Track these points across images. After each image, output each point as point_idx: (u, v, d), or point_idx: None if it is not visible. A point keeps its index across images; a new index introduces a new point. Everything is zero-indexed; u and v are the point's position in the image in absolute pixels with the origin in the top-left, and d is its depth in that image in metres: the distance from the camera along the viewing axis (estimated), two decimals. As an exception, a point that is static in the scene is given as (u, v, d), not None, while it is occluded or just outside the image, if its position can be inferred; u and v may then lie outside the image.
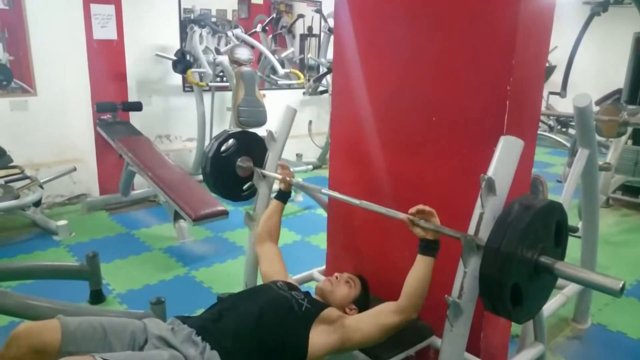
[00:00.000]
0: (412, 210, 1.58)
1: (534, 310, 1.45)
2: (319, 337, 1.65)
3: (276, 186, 2.28)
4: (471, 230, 1.45)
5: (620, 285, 1.17)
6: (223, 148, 2.36)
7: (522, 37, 1.66)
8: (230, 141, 2.39)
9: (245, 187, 2.44)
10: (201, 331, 1.59)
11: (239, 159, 2.38)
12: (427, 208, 1.57)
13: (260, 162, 2.35)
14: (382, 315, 1.65)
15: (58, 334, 1.44)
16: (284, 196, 2.19)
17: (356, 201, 1.91)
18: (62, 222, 3.81)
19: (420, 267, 1.60)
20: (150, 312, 2.24)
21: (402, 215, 1.63)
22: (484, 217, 1.43)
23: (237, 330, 1.60)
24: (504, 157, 1.49)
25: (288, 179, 2.17)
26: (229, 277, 3.20)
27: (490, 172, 1.45)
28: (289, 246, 3.78)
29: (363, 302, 1.87)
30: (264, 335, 1.60)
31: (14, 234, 3.86)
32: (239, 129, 2.55)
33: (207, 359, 1.50)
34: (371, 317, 1.67)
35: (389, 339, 1.80)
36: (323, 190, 2.07)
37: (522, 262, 1.27)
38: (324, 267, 2.58)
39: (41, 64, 4.25)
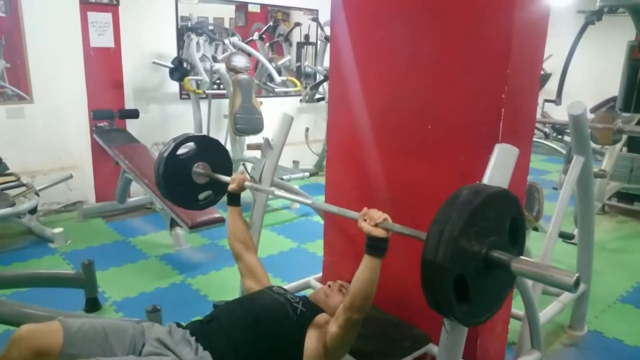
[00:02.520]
0: (365, 209, 1.50)
1: (484, 311, 1.29)
2: (312, 342, 1.65)
3: (277, 191, 2.26)
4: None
5: (574, 279, 1.06)
6: (180, 150, 2.22)
7: (516, 46, 1.68)
8: (190, 144, 2.26)
9: (201, 196, 2.31)
10: (195, 332, 1.60)
11: (196, 164, 2.24)
12: (379, 213, 1.47)
13: (219, 170, 2.26)
14: (337, 315, 1.60)
15: (60, 336, 1.44)
16: (234, 199, 2.08)
17: (308, 201, 1.87)
18: (58, 230, 3.80)
19: (365, 268, 1.50)
20: (146, 320, 2.23)
21: (353, 214, 1.57)
22: (479, 224, 1.44)
23: (231, 333, 1.61)
24: (499, 165, 1.50)
25: (242, 179, 2.06)
26: (225, 285, 3.19)
27: (486, 180, 1.46)
28: (285, 254, 3.78)
29: None
30: (258, 339, 1.60)
31: (9, 241, 3.85)
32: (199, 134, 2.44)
33: (200, 357, 1.50)
34: (334, 318, 1.62)
35: (386, 347, 1.80)
36: (276, 192, 1.99)
37: (468, 250, 1.16)
38: (320, 274, 2.58)
39: (38, 71, 4.25)
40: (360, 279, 1.50)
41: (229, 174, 2.26)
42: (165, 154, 2.16)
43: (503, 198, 1.26)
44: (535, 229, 3.29)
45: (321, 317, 1.73)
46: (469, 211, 1.14)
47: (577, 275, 1.07)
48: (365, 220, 1.46)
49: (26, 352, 1.41)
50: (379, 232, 1.44)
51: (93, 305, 2.86)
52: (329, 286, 1.92)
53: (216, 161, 2.29)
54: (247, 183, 2.06)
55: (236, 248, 2.05)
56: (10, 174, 3.86)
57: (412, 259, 2.00)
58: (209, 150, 2.29)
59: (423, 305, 1.78)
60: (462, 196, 1.19)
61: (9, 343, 1.44)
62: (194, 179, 2.25)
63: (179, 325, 1.67)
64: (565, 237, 3.42)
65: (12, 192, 3.73)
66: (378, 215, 1.45)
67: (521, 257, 1.20)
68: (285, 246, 3.91)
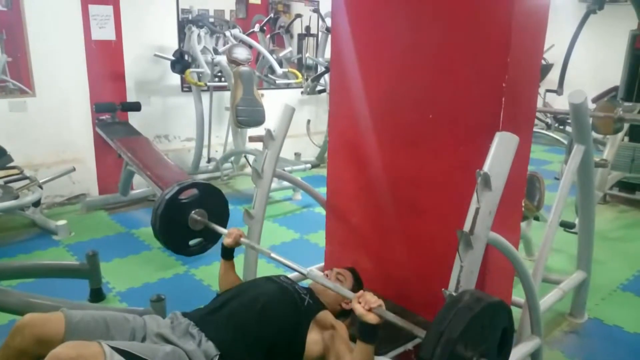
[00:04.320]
0: (362, 292, 1.50)
1: None
2: (313, 339, 1.68)
3: (274, 184, 2.28)
4: (467, 225, 1.47)
5: None
6: (182, 195, 2.25)
7: (517, 35, 1.68)
8: (192, 190, 2.28)
9: (192, 242, 2.32)
10: (199, 322, 1.62)
11: (194, 211, 2.25)
12: (374, 298, 1.45)
13: (215, 218, 2.28)
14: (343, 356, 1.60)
15: (62, 326, 1.46)
16: (227, 253, 2.05)
17: (303, 271, 1.78)
18: (62, 222, 3.82)
19: (359, 355, 1.48)
20: (150, 309, 2.25)
21: (349, 293, 1.57)
22: (480, 212, 1.46)
23: (238, 320, 1.62)
24: (499, 153, 1.51)
25: (238, 235, 2.03)
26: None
27: (486, 168, 1.47)
28: (287, 244, 3.80)
29: None
30: (265, 327, 1.62)
31: (13, 234, 3.88)
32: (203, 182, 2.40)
33: (203, 350, 1.52)
34: (344, 354, 1.61)
35: (387, 334, 1.82)
36: (272, 255, 1.90)
37: (462, 355, 1.19)
38: (322, 264, 2.60)
39: (40, 64, 4.26)
40: None
41: (224, 224, 2.30)
42: (167, 197, 2.19)
43: (499, 309, 1.31)
44: (537, 219, 3.31)
45: (326, 316, 1.75)
46: (469, 317, 1.19)
47: None
48: (359, 302, 1.45)
49: (28, 340, 1.43)
50: (371, 318, 1.42)
51: (97, 295, 2.89)
52: (327, 275, 1.94)
53: (214, 210, 2.31)
54: (243, 239, 2.04)
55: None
56: (13, 167, 3.88)
57: (412, 249, 2.03)
58: (209, 197, 2.32)
59: (424, 292, 1.81)
60: (464, 302, 1.24)
61: (12, 330, 1.46)
62: (190, 224, 2.26)
63: (183, 314, 1.69)
64: (567, 226, 3.43)
65: (16, 185, 3.76)
66: (373, 300, 1.44)
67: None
68: (288, 237, 3.93)
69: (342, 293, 1.61)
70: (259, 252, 2.16)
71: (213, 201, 2.33)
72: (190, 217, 2.25)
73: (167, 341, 1.54)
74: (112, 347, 1.34)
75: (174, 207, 2.21)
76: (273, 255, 1.90)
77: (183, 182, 2.27)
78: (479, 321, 1.22)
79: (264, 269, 2.21)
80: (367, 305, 1.43)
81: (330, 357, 1.64)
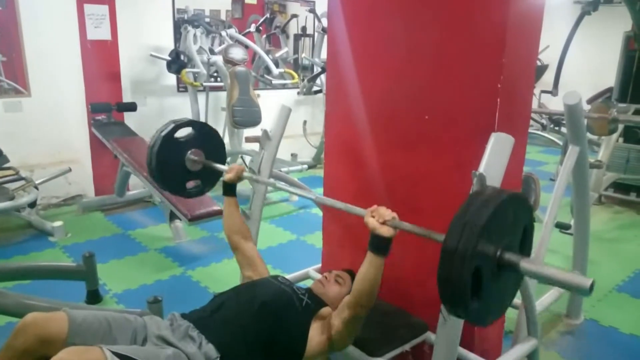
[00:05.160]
0: (375, 206, 1.47)
1: (491, 311, 1.28)
2: (316, 335, 1.67)
3: (277, 183, 2.26)
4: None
5: (589, 283, 1.05)
6: (178, 134, 2.17)
7: (512, 36, 1.69)
8: (188, 129, 2.22)
9: (189, 185, 2.27)
10: (198, 324, 1.61)
11: (191, 151, 2.19)
12: (388, 211, 1.43)
13: (212, 157, 2.23)
14: (341, 309, 1.61)
15: (65, 326, 1.46)
16: (229, 189, 2.04)
17: (310, 195, 1.82)
18: (58, 223, 3.81)
19: (369, 267, 1.48)
20: (147, 310, 2.25)
21: (361, 211, 1.53)
22: (476, 213, 1.46)
23: (236, 322, 1.62)
24: (495, 154, 1.52)
25: (240, 169, 2.02)
26: (225, 277, 3.21)
27: (482, 169, 1.48)
28: (284, 246, 3.80)
29: None
30: (263, 329, 1.62)
31: (9, 235, 3.86)
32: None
33: (204, 352, 1.52)
34: (337, 312, 1.64)
35: (384, 335, 1.83)
36: (278, 185, 1.91)
37: (486, 246, 1.15)
38: (319, 265, 2.60)
39: (35, 64, 4.25)
40: (364, 277, 1.50)
41: (222, 164, 2.24)
42: (163, 133, 2.12)
43: (522, 203, 1.28)
44: (532, 219, 3.32)
45: (325, 311, 1.75)
46: (493, 207, 1.15)
47: (592, 280, 1.06)
48: (373, 216, 1.44)
49: (32, 339, 1.43)
50: (386, 231, 1.41)
51: (94, 297, 2.88)
52: (325, 277, 1.94)
53: (211, 150, 2.26)
54: (245, 173, 2.03)
55: (233, 239, 2.04)
56: (9, 168, 3.86)
57: (411, 249, 2.03)
58: (206, 138, 2.26)
59: (421, 294, 1.81)
60: (487, 193, 1.21)
61: (15, 330, 1.46)
62: (187, 164, 2.21)
63: (182, 315, 1.69)
64: (562, 227, 3.45)
65: (12, 186, 3.74)
66: (387, 213, 1.43)
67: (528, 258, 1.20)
68: (285, 238, 3.93)
69: (353, 211, 1.56)
70: (264, 184, 2.16)
71: (210, 141, 2.27)
72: (187, 157, 2.20)
73: (168, 343, 1.54)
74: (113, 352, 1.33)
75: (170, 146, 2.14)
76: (278, 184, 1.90)
77: (178, 120, 2.20)
78: (503, 213, 1.18)
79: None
80: (382, 219, 1.41)
81: (331, 322, 1.63)
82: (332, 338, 1.65)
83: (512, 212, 1.23)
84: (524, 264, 1.15)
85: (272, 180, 2.01)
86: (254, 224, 2.33)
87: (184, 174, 2.23)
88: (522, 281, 1.37)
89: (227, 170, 2.05)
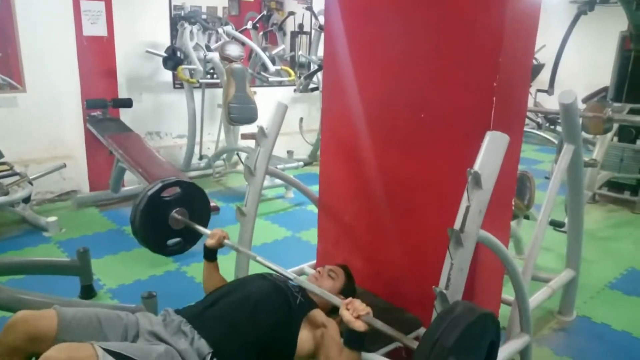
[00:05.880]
0: (350, 298, 1.50)
1: None
2: (305, 337, 1.68)
3: (267, 182, 2.27)
4: (458, 223, 1.48)
5: None
6: (165, 193, 2.20)
7: (508, 36, 1.70)
8: (175, 188, 2.24)
9: (170, 242, 2.27)
10: (192, 319, 1.61)
11: (175, 209, 2.22)
12: (363, 305, 1.46)
13: (196, 219, 2.25)
14: None
15: (54, 323, 1.46)
16: (210, 254, 2.03)
17: (290, 276, 1.79)
18: (52, 219, 3.80)
19: None
20: (141, 306, 2.25)
21: (337, 300, 1.57)
22: (470, 210, 1.47)
23: (230, 317, 1.62)
24: (489, 152, 1.52)
25: (221, 236, 2.02)
26: (220, 273, 3.21)
27: (477, 167, 1.49)
28: (279, 242, 3.81)
29: (349, 291, 1.88)
30: (257, 324, 1.62)
31: (3, 230, 3.85)
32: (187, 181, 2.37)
33: (196, 348, 1.52)
34: (334, 355, 1.61)
35: (378, 331, 1.83)
36: (258, 258, 1.90)
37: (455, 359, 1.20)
38: (314, 261, 2.61)
39: (30, 60, 4.23)
40: None
41: (205, 226, 2.25)
42: (150, 193, 2.15)
43: (489, 320, 1.33)
44: (527, 217, 3.34)
45: (317, 314, 1.75)
46: (462, 327, 1.21)
47: None
48: (347, 309, 1.46)
49: (21, 337, 1.43)
50: (359, 326, 1.43)
51: (88, 292, 2.88)
52: (319, 272, 1.95)
53: (195, 210, 2.27)
54: (226, 241, 2.01)
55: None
56: (3, 163, 3.85)
57: (403, 247, 2.04)
58: (192, 198, 2.28)
59: (414, 290, 1.82)
60: (457, 311, 1.25)
61: (5, 328, 1.46)
62: (170, 223, 2.22)
63: (176, 311, 1.69)
64: (556, 225, 3.46)
65: (6, 181, 3.73)
66: (362, 307, 1.46)
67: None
68: (280, 235, 3.94)
69: (330, 300, 1.62)
70: (243, 255, 2.14)
71: (195, 201, 2.29)
72: (171, 215, 2.21)
73: (160, 339, 1.54)
74: (105, 349, 1.33)
75: (156, 204, 2.16)
76: (258, 258, 1.87)
77: (166, 179, 2.23)
78: (471, 332, 1.23)
79: (255, 267, 2.22)
80: (356, 313, 1.44)
81: (320, 356, 1.65)
82: (320, 355, 1.65)
83: (480, 330, 1.29)
84: None
85: (252, 253, 1.96)
86: (249, 221, 2.33)
87: (166, 232, 2.24)
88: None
89: (210, 235, 2.03)
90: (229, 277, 2.01)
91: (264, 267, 1.85)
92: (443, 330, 1.21)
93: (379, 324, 1.43)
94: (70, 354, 1.29)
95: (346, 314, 1.45)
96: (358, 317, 1.44)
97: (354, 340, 1.47)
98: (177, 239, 2.29)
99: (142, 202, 2.13)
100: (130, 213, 2.20)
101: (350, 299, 1.50)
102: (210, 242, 2.01)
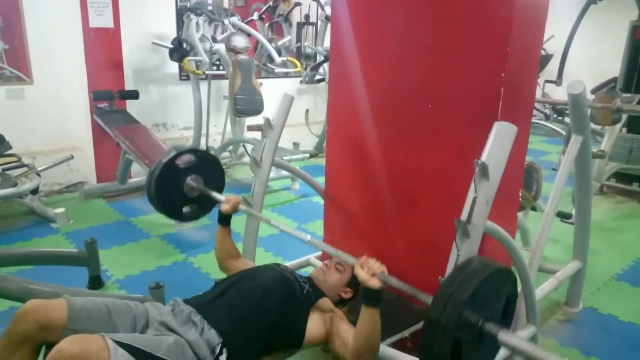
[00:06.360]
0: (365, 257, 1.50)
1: None
2: (314, 324, 1.69)
3: (273, 174, 2.28)
4: (464, 214, 1.48)
5: None
6: (179, 160, 2.23)
7: (517, 25, 1.68)
8: (188, 156, 2.27)
9: (185, 209, 2.31)
10: (201, 309, 1.62)
11: (190, 177, 2.26)
12: (378, 263, 1.47)
13: (210, 187, 2.28)
14: (346, 345, 1.61)
15: (64, 312, 1.47)
16: (225, 220, 2.06)
17: (305, 238, 1.84)
18: (60, 210, 3.82)
19: (365, 320, 1.49)
20: (149, 296, 2.27)
21: (351, 260, 1.57)
22: (477, 201, 1.47)
23: (239, 307, 1.63)
24: (497, 143, 1.52)
25: (236, 201, 2.05)
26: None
27: (484, 157, 1.48)
28: (285, 234, 3.80)
29: (356, 284, 1.89)
30: (265, 314, 1.63)
31: (12, 221, 3.88)
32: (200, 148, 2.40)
33: (206, 339, 1.53)
34: (345, 337, 1.63)
35: (384, 322, 1.83)
36: (272, 222, 1.97)
37: (469, 317, 1.20)
38: (320, 253, 2.62)
39: (37, 52, 4.24)
40: (362, 332, 1.51)
41: (220, 192, 2.29)
42: (165, 160, 2.18)
43: (506, 275, 1.32)
44: (534, 209, 3.33)
45: (325, 302, 1.76)
46: (478, 281, 1.20)
47: None
48: (362, 267, 1.47)
49: (31, 326, 1.44)
50: (375, 283, 1.44)
51: (96, 282, 2.90)
52: (326, 265, 1.95)
53: (210, 177, 2.30)
54: (241, 206, 2.05)
55: (224, 263, 2.06)
56: (11, 155, 3.87)
57: (410, 238, 2.04)
58: (207, 165, 2.31)
59: (421, 281, 1.81)
60: (473, 266, 1.25)
61: (15, 317, 1.47)
62: (185, 190, 2.26)
63: (185, 301, 1.70)
64: (563, 216, 3.45)
65: (14, 173, 3.75)
66: (377, 265, 1.46)
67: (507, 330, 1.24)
68: (286, 226, 3.94)
69: (344, 259, 1.62)
70: (259, 220, 2.20)
71: (209, 169, 2.32)
72: (186, 183, 2.25)
73: (170, 329, 1.54)
74: (116, 341, 1.34)
75: (170, 172, 2.20)
76: (273, 222, 1.94)
77: (180, 147, 2.26)
78: (487, 286, 1.22)
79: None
80: (371, 271, 1.45)
81: (333, 337, 1.66)
82: (334, 343, 1.66)
83: (496, 284, 1.28)
84: (502, 335, 1.20)
85: (266, 217, 2.02)
86: (256, 212, 2.33)
87: (182, 199, 2.29)
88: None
89: (224, 201, 2.07)
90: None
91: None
92: (459, 284, 1.19)
93: (394, 281, 1.42)
94: (82, 345, 1.30)
95: (361, 273, 1.45)
96: (373, 275, 1.44)
97: (371, 297, 1.47)
98: (193, 206, 2.33)
99: (157, 170, 2.17)
100: (145, 180, 2.24)
101: (364, 257, 1.50)
102: (225, 207, 2.04)
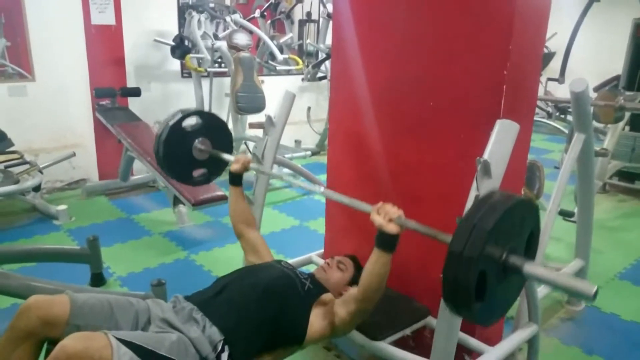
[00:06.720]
0: (381, 203, 1.48)
1: (493, 313, 1.30)
2: (316, 319, 1.69)
3: (275, 171, 2.28)
4: (466, 211, 1.48)
5: (594, 290, 1.08)
6: (186, 123, 2.20)
7: (519, 22, 1.67)
8: (195, 119, 2.24)
9: (195, 173, 2.29)
10: (202, 306, 1.62)
11: (198, 139, 2.22)
12: (394, 208, 1.45)
13: (219, 147, 2.25)
14: (348, 301, 1.64)
15: (67, 307, 1.48)
16: (236, 179, 2.06)
17: (319, 189, 1.84)
18: (62, 207, 3.83)
19: (375, 263, 1.49)
20: (150, 293, 2.27)
21: (366, 207, 1.53)
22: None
23: (239, 305, 1.63)
24: (499, 141, 1.51)
25: (246, 160, 2.04)
26: (228, 261, 3.22)
27: (486, 155, 1.48)
28: (287, 231, 3.82)
29: (357, 282, 1.89)
30: (266, 312, 1.63)
31: (14, 218, 3.89)
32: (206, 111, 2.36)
33: (208, 336, 1.53)
34: (343, 301, 1.67)
35: (386, 320, 1.84)
36: (284, 177, 1.96)
37: (493, 249, 1.16)
38: (322, 250, 2.62)
39: (39, 49, 4.24)
40: (371, 273, 1.51)
41: (229, 154, 2.26)
42: (171, 123, 2.14)
43: (529, 208, 1.28)
44: (536, 207, 3.32)
45: (326, 297, 1.77)
46: (501, 212, 1.15)
47: (596, 287, 1.08)
48: (379, 213, 1.45)
49: (34, 321, 1.45)
50: (392, 228, 1.42)
51: (98, 280, 2.91)
52: (328, 263, 1.95)
53: (218, 140, 2.27)
54: (252, 165, 2.05)
55: (238, 227, 2.07)
56: (14, 152, 3.88)
57: (414, 235, 2.03)
58: (214, 128, 2.28)
59: (423, 279, 1.81)
60: (495, 197, 1.21)
61: (18, 312, 1.48)
62: (194, 153, 2.23)
63: (186, 298, 1.70)
64: (566, 215, 3.44)
65: (16, 170, 3.76)
66: (393, 210, 1.44)
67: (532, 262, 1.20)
68: (288, 224, 3.95)
69: (359, 207, 1.58)
70: (270, 176, 2.18)
71: (217, 131, 2.29)
72: (195, 146, 2.22)
73: (172, 326, 1.55)
74: (118, 339, 1.34)
75: (178, 135, 2.17)
76: (285, 177, 1.91)
77: (186, 109, 2.22)
78: (510, 217, 1.18)
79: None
80: (388, 216, 1.43)
81: (336, 309, 1.66)
82: (336, 325, 1.67)
83: (520, 217, 1.24)
84: (528, 267, 1.16)
85: (277, 171, 2.01)
86: (258, 210, 2.34)
87: (191, 163, 2.25)
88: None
89: (234, 160, 2.06)
90: (230, 269, 2.00)
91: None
92: (482, 215, 1.15)
93: (413, 224, 1.39)
94: (85, 343, 1.30)
95: (378, 219, 1.43)
96: (390, 221, 1.42)
97: (387, 243, 1.45)
98: (203, 170, 2.30)
99: (164, 133, 2.13)
100: (153, 145, 2.20)
101: (380, 202, 1.47)
102: (235, 166, 2.03)
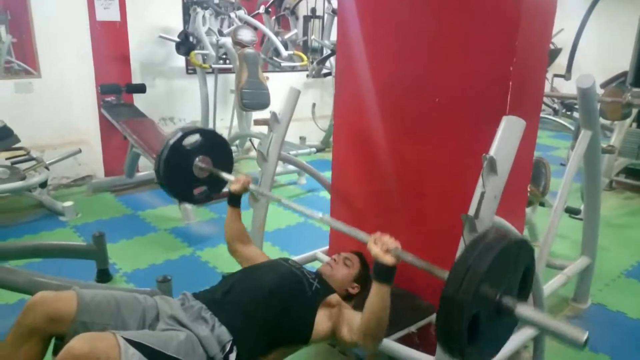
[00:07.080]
0: (378, 233, 1.46)
1: (485, 355, 1.29)
2: (322, 320, 1.69)
3: (279, 168, 2.27)
4: (472, 209, 1.47)
5: (584, 338, 1.05)
6: (186, 141, 2.21)
7: (525, 18, 1.66)
8: (195, 136, 2.24)
9: (196, 192, 2.28)
10: (211, 305, 1.62)
11: (199, 158, 2.23)
12: (391, 239, 1.43)
13: (219, 165, 2.26)
14: (352, 330, 1.61)
15: (74, 304, 1.48)
16: (234, 200, 2.04)
17: (317, 215, 1.78)
18: (68, 203, 3.85)
19: (375, 297, 1.46)
20: (156, 289, 2.28)
21: (364, 236, 1.51)
22: (485, 196, 1.46)
23: (246, 305, 1.62)
24: (505, 137, 1.50)
25: (246, 181, 2.03)
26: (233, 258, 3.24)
27: (492, 152, 1.47)
28: (292, 228, 3.82)
29: (364, 278, 1.89)
30: (273, 312, 1.63)
31: (20, 214, 3.91)
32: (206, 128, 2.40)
33: (217, 336, 1.53)
34: (349, 326, 1.63)
35: (391, 316, 1.83)
36: (283, 201, 1.94)
37: (487, 292, 1.15)
38: (327, 247, 2.62)
39: (45, 45, 4.25)
40: (371, 308, 1.48)
41: (229, 172, 2.27)
42: (172, 142, 2.15)
43: (524, 246, 1.27)
44: (542, 204, 3.31)
45: (333, 298, 1.76)
46: (495, 253, 1.15)
47: (587, 333, 1.06)
48: (376, 243, 1.43)
49: (40, 317, 1.45)
50: (389, 260, 1.40)
51: (104, 276, 2.92)
52: (334, 260, 1.95)
53: (218, 158, 2.28)
54: (251, 186, 2.03)
55: (233, 245, 2.04)
56: (20, 148, 3.90)
57: (417, 233, 2.03)
58: (214, 145, 2.28)
59: (427, 276, 1.80)
60: (490, 239, 1.19)
61: (24, 308, 1.48)
62: (194, 171, 2.24)
63: (194, 295, 1.69)
64: (572, 212, 3.43)
65: (23, 166, 3.78)
66: (390, 241, 1.42)
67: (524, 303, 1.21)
68: (293, 220, 3.95)
69: (357, 236, 1.56)
70: (269, 200, 2.17)
71: (217, 148, 2.29)
72: (195, 164, 2.22)
73: (181, 324, 1.54)
74: (126, 339, 1.34)
75: (178, 153, 2.17)
76: (284, 201, 1.90)
77: (186, 127, 2.24)
78: (504, 258, 1.18)
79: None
80: (384, 247, 1.41)
81: (340, 325, 1.64)
82: (338, 338, 1.66)
83: (514, 256, 1.23)
84: (520, 309, 1.16)
85: (278, 195, 2.00)
86: (262, 207, 2.34)
87: (191, 181, 2.25)
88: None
89: (234, 180, 2.05)
90: (235, 266, 2.00)
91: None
92: (476, 256, 1.14)
93: (409, 257, 1.38)
94: (92, 343, 1.29)
95: (374, 248, 1.41)
96: (387, 251, 1.41)
97: (383, 274, 1.43)
98: (203, 188, 2.30)
99: (164, 152, 2.14)
100: (154, 164, 2.22)
101: (378, 232, 1.46)
102: (234, 187, 2.02)
